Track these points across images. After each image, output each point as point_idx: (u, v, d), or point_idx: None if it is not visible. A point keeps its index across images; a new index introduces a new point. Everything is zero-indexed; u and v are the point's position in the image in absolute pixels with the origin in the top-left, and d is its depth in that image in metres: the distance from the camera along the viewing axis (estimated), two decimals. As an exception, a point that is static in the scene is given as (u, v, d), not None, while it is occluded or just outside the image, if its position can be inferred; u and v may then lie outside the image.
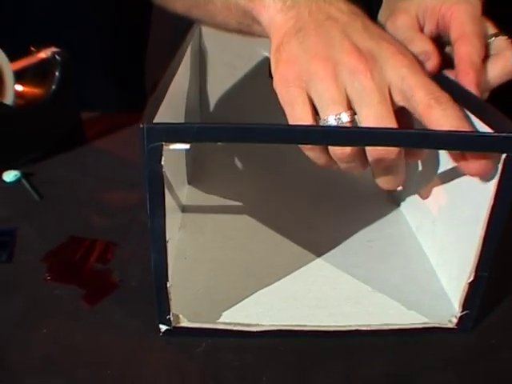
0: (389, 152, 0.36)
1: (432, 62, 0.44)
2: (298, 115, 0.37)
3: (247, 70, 0.67)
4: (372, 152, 0.36)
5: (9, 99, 0.57)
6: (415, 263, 0.47)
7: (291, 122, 0.38)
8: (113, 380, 0.35)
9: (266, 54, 0.65)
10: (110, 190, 0.55)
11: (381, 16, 0.54)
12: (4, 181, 0.57)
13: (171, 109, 0.42)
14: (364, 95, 0.36)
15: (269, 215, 0.52)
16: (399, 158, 0.37)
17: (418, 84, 0.36)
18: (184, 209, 0.52)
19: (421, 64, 0.39)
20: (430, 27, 0.47)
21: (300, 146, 0.38)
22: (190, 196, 0.55)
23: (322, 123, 0.37)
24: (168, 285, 0.36)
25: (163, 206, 0.34)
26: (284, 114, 0.38)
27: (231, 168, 0.62)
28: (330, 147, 0.37)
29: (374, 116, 0.35)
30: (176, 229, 0.48)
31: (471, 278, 0.38)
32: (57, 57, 0.59)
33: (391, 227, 0.51)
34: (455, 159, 0.37)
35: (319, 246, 0.48)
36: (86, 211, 0.52)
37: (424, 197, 0.48)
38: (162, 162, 0.32)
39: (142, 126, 0.32)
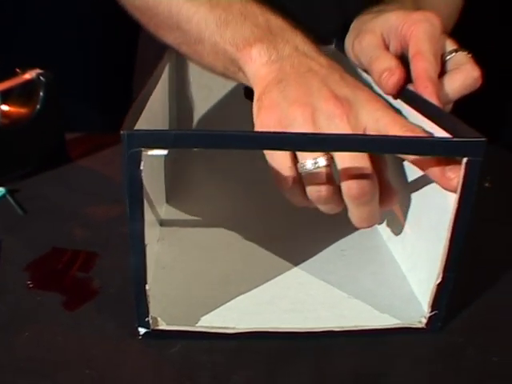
0: (364, 191, 0.38)
1: (396, 78, 0.46)
2: (278, 160, 0.39)
3: (223, 93, 0.70)
4: (347, 191, 0.38)
5: (-6, 119, 0.59)
6: (387, 270, 0.48)
7: (272, 165, 0.40)
8: (91, 380, 0.36)
9: None
10: (93, 205, 0.56)
11: (348, 38, 0.56)
12: (-12, 197, 0.58)
13: (150, 121, 0.44)
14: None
15: (246, 228, 0.54)
16: (372, 197, 0.38)
17: (392, 122, 0.38)
18: (162, 223, 0.54)
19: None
20: (395, 45, 0.50)
21: (278, 187, 0.41)
22: (169, 211, 0.57)
23: (300, 167, 0.38)
24: (147, 287, 0.38)
25: (142, 209, 0.35)
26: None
27: (208, 184, 0.64)
28: (307, 189, 0.39)
29: (349, 157, 0.37)
30: (154, 241, 0.50)
31: (439, 280, 0.39)
32: (41, 78, 0.61)
33: (363, 237, 0.53)
34: (422, 168, 0.39)
35: (295, 255, 0.49)
36: (69, 224, 0.54)
37: (394, 209, 0.50)
38: (141, 167, 0.34)
39: (122, 132, 0.33)
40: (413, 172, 0.45)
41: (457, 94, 0.47)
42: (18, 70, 0.63)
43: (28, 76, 0.62)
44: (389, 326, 0.41)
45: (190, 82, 0.69)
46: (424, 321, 0.41)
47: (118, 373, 0.37)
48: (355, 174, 0.37)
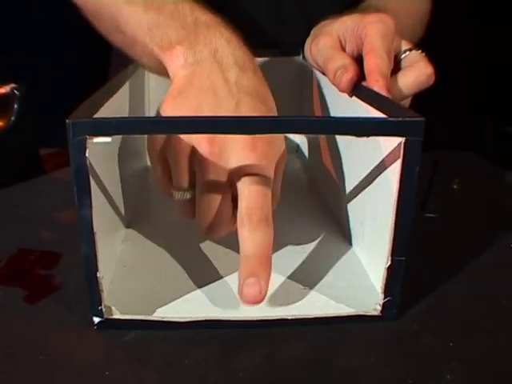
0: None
1: (349, 75, 0.48)
2: (158, 175, 0.43)
3: None
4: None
5: (-32, 131, 0.61)
6: (346, 264, 0.49)
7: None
8: (44, 365, 0.36)
9: None
10: (61, 210, 0.57)
11: (307, 42, 0.58)
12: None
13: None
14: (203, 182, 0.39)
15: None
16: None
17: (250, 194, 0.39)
18: (129, 224, 0.55)
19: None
20: (351, 47, 0.52)
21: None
22: (135, 212, 0.58)
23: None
24: (98, 275, 0.38)
25: (89, 196, 0.36)
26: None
27: None
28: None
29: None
30: (118, 241, 0.51)
31: (388, 263, 0.40)
32: (16, 92, 0.63)
33: (326, 237, 0.54)
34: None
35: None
36: (36, 229, 0.55)
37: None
38: (87, 155, 0.35)
39: (67, 121, 0.35)
40: (366, 166, 0.46)
41: (410, 90, 0.49)
42: (-8, 85, 0.65)
43: (2, 90, 0.64)
44: (343, 314, 0.42)
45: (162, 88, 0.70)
46: (379, 308, 0.42)
47: (70, 358, 0.37)
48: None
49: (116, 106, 0.48)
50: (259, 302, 0.37)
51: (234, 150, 0.39)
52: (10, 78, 0.65)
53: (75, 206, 0.37)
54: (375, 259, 0.45)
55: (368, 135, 0.37)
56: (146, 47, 0.46)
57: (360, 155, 0.49)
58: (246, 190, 0.39)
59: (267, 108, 0.42)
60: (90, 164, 0.36)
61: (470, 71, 1.27)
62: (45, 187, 0.64)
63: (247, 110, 0.40)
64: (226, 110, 0.40)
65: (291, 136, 0.75)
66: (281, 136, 0.42)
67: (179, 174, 0.41)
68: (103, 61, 0.86)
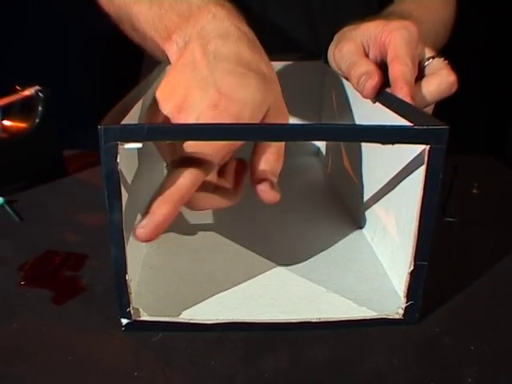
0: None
1: (373, 81, 0.49)
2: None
3: None
4: None
5: (-5, 133, 0.62)
6: (368, 267, 0.50)
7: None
8: (73, 365, 0.38)
9: None
10: (87, 213, 0.59)
11: (330, 48, 0.59)
12: (-13, 206, 0.61)
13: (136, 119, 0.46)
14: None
15: (232, 229, 0.56)
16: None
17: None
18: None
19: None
20: (374, 53, 0.52)
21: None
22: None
23: None
24: (127, 278, 0.39)
25: (120, 200, 0.37)
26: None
27: None
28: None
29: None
30: (143, 244, 0.52)
31: (411, 268, 0.41)
32: (40, 94, 0.65)
33: (347, 238, 0.55)
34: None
35: (278, 256, 0.51)
36: (62, 230, 0.56)
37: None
38: (118, 160, 0.36)
39: (99, 127, 0.36)
40: (389, 171, 0.47)
41: (433, 97, 0.49)
42: (17, 87, 0.67)
43: (27, 92, 0.65)
44: (366, 317, 0.42)
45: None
46: (401, 312, 0.42)
47: (98, 359, 0.38)
48: None
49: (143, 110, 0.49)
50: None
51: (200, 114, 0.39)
52: (35, 79, 0.67)
53: (105, 210, 0.38)
54: (397, 263, 0.46)
55: (393, 143, 0.37)
56: (153, 41, 0.48)
57: (382, 160, 0.49)
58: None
59: (254, 72, 0.41)
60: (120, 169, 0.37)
61: (489, 74, 1.27)
62: (69, 188, 0.66)
63: (221, 75, 0.40)
64: (200, 78, 0.40)
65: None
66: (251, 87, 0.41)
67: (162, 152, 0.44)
68: (133, 63, 0.87)
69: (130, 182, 0.43)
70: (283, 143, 0.42)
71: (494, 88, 1.27)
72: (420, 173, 0.39)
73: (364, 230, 0.56)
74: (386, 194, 0.49)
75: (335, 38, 0.59)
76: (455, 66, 0.51)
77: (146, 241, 0.38)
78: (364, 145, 0.55)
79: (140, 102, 0.47)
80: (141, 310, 0.41)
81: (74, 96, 0.87)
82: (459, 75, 0.49)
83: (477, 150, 0.81)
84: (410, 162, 0.42)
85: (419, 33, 0.51)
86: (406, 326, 0.42)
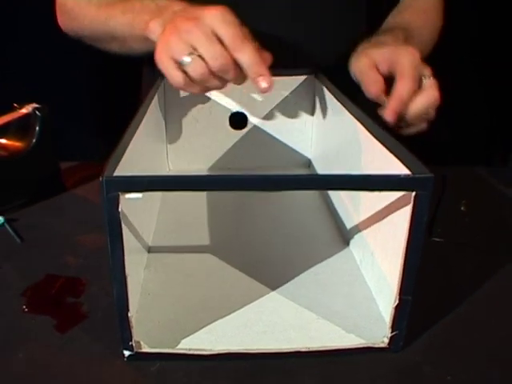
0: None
1: (375, 87, 0.62)
2: (164, 64, 0.56)
3: (207, 123, 0.76)
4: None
5: (-7, 152, 0.65)
6: (357, 292, 0.53)
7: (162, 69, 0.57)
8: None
9: (226, 107, 0.75)
10: (84, 234, 0.62)
11: (351, 58, 0.70)
12: (-12, 226, 0.63)
13: (133, 162, 0.49)
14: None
15: (227, 254, 0.59)
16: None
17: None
18: (150, 249, 0.59)
19: None
20: (383, 68, 0.64)
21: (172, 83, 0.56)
22: (156, 238, 0.62)
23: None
24: (129, 314, 0.42)
25: (122, 247, 0.40)
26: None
27: (195, 214, 0.69)
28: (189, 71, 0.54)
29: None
30: (141, 269, 0.55)
31: (396, 302, 0.44)
32: (37, 112, 0.67)
33: (338, 261, 0.58)
34: None
35: (271, 280, 0.54)
36: (61, 253, 0.59)
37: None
38: (119, 209, 0.39)
39: (101, 178, 0.38)
40: (379, 200, 0.50)
41: (422, 110, 0.62)
42: (15, 104, 0.69)
43: (25, 110, 0.67)
44: (353, 346, 0.46)
45: (176, 114, 0.75)
46: (386, 340, 0.46)
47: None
48: None
49: (138, 146, 0.51)
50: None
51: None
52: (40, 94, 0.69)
53: (108, 252, 0.40)
54: (383, 291, 0.49)
55: (380, 191, 0.40)
56: (133, 37, 0.67)
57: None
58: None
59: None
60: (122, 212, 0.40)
61: (480, 84, 1.32)
62: (67, 206, 0.68)
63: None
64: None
65: (302, 150, 0.79)
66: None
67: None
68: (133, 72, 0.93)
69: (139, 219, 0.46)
70: None
71: (483, 97, 1.32)
72: (407, 210, 0.42)
73: (353, 249, 0.59)
74: (375, 222, 0.52)
75: (356, 51, 0.70)
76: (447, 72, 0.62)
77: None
78: (354, 166, 0.58)
79: (136, 139, 0.50)
80: (142, 342, 0.44)
81: (71, 105, 0.89)
82: (453, 85, 0.57)
83: (467, 160, 0.84)
84: (399, 198, 0.45)
85: (421, 56, 0.63)
86: (390, 354, 0.46)
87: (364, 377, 0.43)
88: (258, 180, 0.40)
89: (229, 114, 0.75)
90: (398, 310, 0.44)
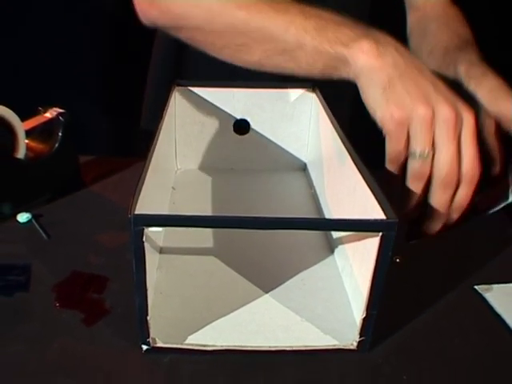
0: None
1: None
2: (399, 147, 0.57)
3: (213, 128, 0.88)
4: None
5: (21, 154, 0.76)
6: (336, 297, 0.65)
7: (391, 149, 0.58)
8: (102, 378, 0.54)
9: (231, 114, 0.87)
10: (103, 232, 0.74)
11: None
12: (18, 221, 0.76)
13: (151, 190, 0.60)
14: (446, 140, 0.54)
15: (228, 257, 0.71)
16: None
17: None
18: (162, 250, 0.71)
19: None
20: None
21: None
22: (166, 240, 0.74)
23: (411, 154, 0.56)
24: (148, 318, 0.55)
25: (144, 266, 0.52)
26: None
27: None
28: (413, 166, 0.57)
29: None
30: (154, 269, 0.67)
31: (364, 315, 0.57)
32: (60, 118, 0.78)
33: (322, 269, 0.70)
34: None
35: (265, 283, 0.66)
36: (84, 250, 0.71)
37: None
38: (144, 240, 0.51)
39: (129, 215, 0.50)
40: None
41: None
42: (40, 108, 0.79)
43: (49, 115, 0.78)
44: (328, 347, 0.59)
45: (185, 119, 0.86)
46: (355, 344, 0.59)
47: (121, 375, 0.55)
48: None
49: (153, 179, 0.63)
50: None
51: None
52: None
53: (133, 272, 0.53)
54: (358, 300, 0.62)
55: (352, 231, 0.52)
56: (316, 48, 0.60)
57: (353, 208, 0.64)
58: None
59: None
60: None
61: None
62: (86, 203, 0.81)
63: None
64: (438, 85, 0.56)
65: (298, 155, 0.90)
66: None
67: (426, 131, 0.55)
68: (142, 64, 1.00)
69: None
70: None
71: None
72: (377, 240, 0.53)
73: (336, 257, 0.72)
74: (354, 239, 0.64)
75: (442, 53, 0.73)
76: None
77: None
78: (341, 182, 0.70)
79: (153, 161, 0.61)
80: (157, 339, 0.57)
81: (86, 99, 0.99)
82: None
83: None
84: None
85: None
86: (358, 355, 0.59)
87: (334, 374, 0.57)
88: (258, 221, 0.52)
89: (233, 121, 0.86)
90: (366, 321, 0.57)
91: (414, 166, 0.57)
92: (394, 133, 0.56)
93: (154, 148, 0.64)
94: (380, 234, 0.52)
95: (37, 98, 0.81)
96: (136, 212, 0.50)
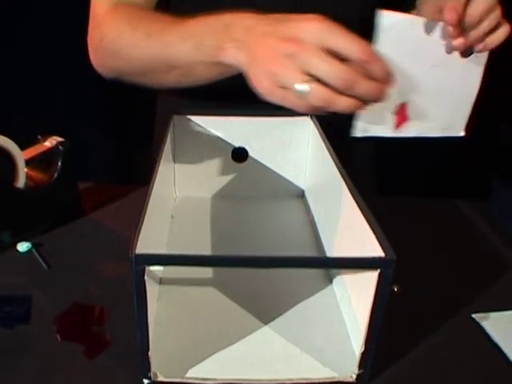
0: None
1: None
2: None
3: (212, 155, 0.89)
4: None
5: (21, 183, 0.77)
6: (335, 329, 0.66)
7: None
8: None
9: (229, 142, 0.88)
10: (103, 261, 0.75)
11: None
12: (18, 251, 0.77)
13: (151, 222, 0.61)
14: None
15: (227, 288, 0.72)
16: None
17: None
18: (161, 281, 0.72)
19: None
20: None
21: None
22: (167, 269, 0.75)
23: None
24: (149, 354, 0.56)
25: (145, 303, 0.53)
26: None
27: (200, 248, 0.81)
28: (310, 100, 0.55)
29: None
30: (154, 301, 0.68)
31: (362, 349, 0.58)
32: (60, 147, 0.79)
33: (321, 297, 0.71)
34: None
35: (265, 314, 0.67)
36: (84, 280, 0.72)
37: None
38: (145, 278, 0.52)
39: (131, 255, 0.51)
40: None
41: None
42: (39, 136, 0.80)
43: (48, 144, 0.79)
44: (327, 380, 0.60)
45: (184, 148, 0.88)
46: (354, 376, 0.60)
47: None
48: None
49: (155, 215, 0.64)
50: None
51: None
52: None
53: (134, 307, 0.54)
54: (357, 331, 0.63)
55: (351, 268, 0.53)
56: (200, 63, 0.66)
57: (351, 240, 0.65)
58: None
59: None
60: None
61: None
62: (87, 231, 0.82)
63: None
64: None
65: (296, 182, 0.92)
66: None
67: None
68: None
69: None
70: None
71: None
72: (375, 275, 0.55)
73: (335, 287, 0.73)
74: (352, 272, 0.65)
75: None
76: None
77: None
78: (338, 210, 0.71)
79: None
80: (158, 373, 0.58)
81: (84, 126, 1.01)
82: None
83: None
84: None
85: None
86: (357, 389, 0.60)
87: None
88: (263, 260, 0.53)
89: (231, 149, 0.88)
90: (364, 355, 0.58)
91: (310, 101, 0.56)
92: (282, 100, 0.57)
93: (155, 181, 0.65)
94: (378, 270, 0.53)
95: (36, 118, 0.83)
96: (137, 252, 0.51)
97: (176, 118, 0.84)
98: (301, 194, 0.94)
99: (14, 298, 0.69)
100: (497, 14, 0.67)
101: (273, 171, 0.90)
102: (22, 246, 0.77)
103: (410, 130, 0.72)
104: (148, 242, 0.57)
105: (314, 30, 0.53)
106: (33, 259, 0.75)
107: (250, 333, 0.65)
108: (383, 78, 0.56)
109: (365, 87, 0.54)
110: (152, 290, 0.66)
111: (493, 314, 0.71)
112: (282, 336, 0.65)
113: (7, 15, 1.30)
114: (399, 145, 0.75)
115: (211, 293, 0.71)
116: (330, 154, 0.75)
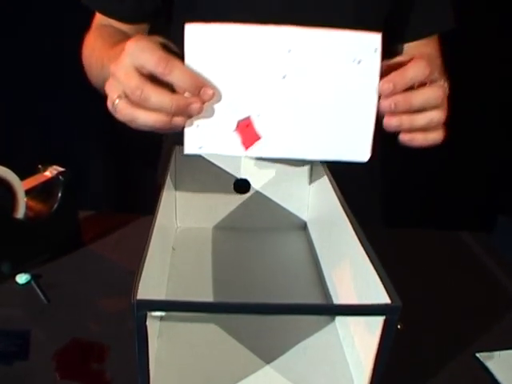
0: None
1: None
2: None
3: (214, 187, 0.89)
4: None
5: (20, 213, 0.76)
6: (337, 369, 0.66)
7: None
8: None
9: (232, 174, 0.88)
10: (103, 295, 0.75)
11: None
12: (17, 283, 0.76)
13: (152, 257, 0.61)
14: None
15: (229, 324, 0.71)
16: None
17: None
18: (162, 317, 0.72)
19: None
20: None
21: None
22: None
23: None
24: (150, 398, 0.56)
25: (147, 348, 0.53)
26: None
27: (201, 283, 0.80)
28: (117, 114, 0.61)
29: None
30: (155, 338, 0.67)
31: (366, 395, 0.57)
32: (60, 177, 0.78)
33: (324, 336, 0.71)
34: None
35: (266, 353, 0.67)
36: (84, 315, 0.72)
37: None
38: (147, 323, 0.51)
39: (132, 301, 0.50)
40: (361, 299, 0.63)
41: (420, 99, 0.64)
42: (39, 165, 0.80)
43: (48, 174, 0.79)
44: (329, 426, 0.59)
45: (185, 179, 0.88)
46: (357, 419, 0.59)
47: None
48: None
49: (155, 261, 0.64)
50: None
51: None
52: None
53: (135, 354, 0.53)
54: (360, 374, 0.62)
55: (356, 315, 0.53)
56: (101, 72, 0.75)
57: (355, 281, 0.65)
58: None
59: None
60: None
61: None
62: (86, 263, 0.81)
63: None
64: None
65: (299, 214, 0.92)
66: None
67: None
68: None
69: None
70: None
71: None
72: (381, 319, 0.54)
73: (338, 325, 0.72)
74: (353, 314, 0.64)
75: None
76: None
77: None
78: (340, 245, 0.71)
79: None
80: (158, 418, 0.57)
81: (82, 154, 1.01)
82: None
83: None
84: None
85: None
86: (361, 433, 0.59)
87: None
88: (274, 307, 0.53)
89: (234, 180, 0.87)
90: (369, 399, 0.58)
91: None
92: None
93: (157, 214, 0.65)
94: (383, 317, 0.53)
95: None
96: (139, 298, 0.51)
97: (178, 149, 0.84)
98: (303, 226, 0.93)
99: (13, 334, 0.68)
100: (439, 116, 0.65)
101: (275, 203, 0.90)
102: (21, 278, 0.76)
103: (268, 151, 0.67)
104: (149, 281, 0.56)
105: (127, 51, 0.58)
106: (32, 292, 0.75)
107: (252, 372, 0.65)
108: (189, 90, 0.59)
109: (157, 99, 0.57)
110: (153, 328, 0.66)
111: (497, 353, 0.71)
112: (284, 376, 0.64)
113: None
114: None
115: (212, 330, 0.71)
116: (332, 186, 0.75)
